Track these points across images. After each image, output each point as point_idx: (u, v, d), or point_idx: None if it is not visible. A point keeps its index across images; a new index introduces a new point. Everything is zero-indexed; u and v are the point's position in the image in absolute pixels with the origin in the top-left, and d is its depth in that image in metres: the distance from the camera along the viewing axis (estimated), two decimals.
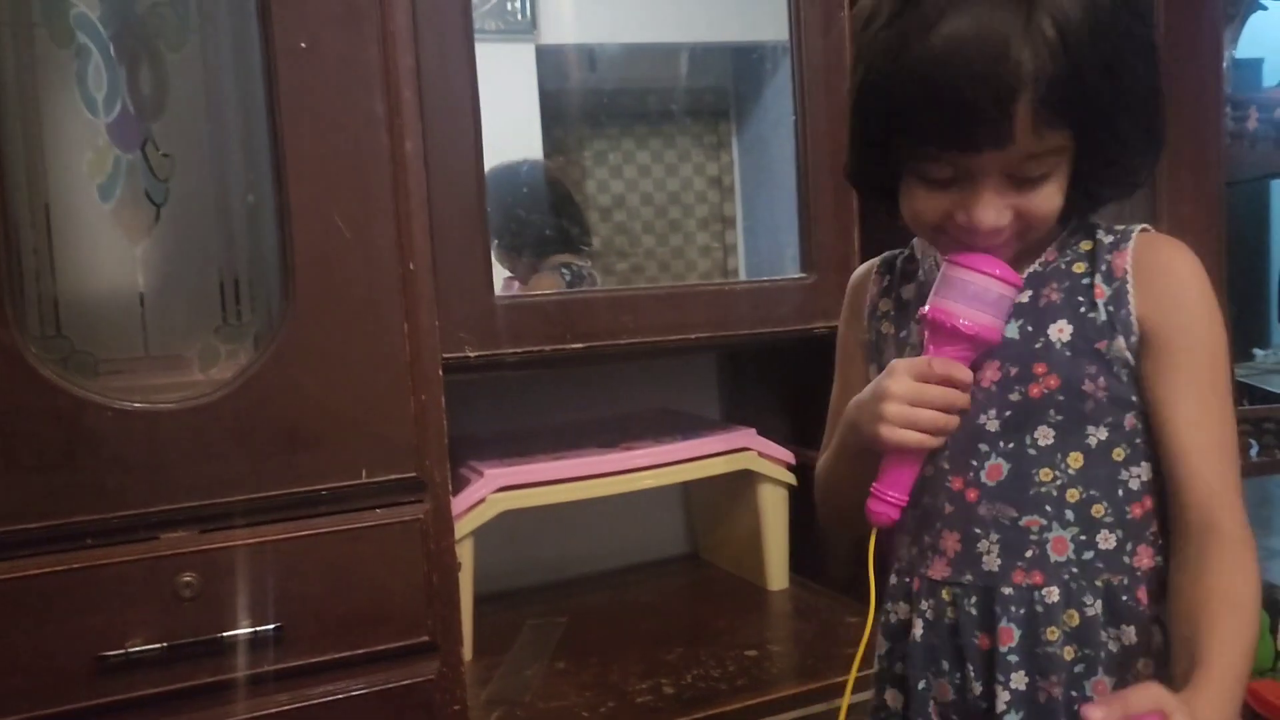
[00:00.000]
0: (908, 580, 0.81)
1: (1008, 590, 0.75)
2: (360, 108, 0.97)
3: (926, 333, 0.74)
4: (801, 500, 1.40)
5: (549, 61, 1.53)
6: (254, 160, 0.97)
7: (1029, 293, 0.76)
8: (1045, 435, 0.74)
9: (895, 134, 0.69)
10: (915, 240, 0.85)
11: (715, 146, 1.69)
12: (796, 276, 1.31)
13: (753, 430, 1.43)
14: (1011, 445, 0.75)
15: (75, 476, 0.89)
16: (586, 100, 1.61)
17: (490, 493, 1.26)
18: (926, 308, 0.74)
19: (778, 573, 1.49)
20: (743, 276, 1.65)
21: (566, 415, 1.59)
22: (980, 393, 0.75)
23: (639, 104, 1.66)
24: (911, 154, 0.70)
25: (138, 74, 0.93)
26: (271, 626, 0.95)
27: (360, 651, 0.99)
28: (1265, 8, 1.71)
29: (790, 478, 1.43)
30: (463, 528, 1.23)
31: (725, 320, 1.24)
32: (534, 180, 1.49)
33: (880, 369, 0.81)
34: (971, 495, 0.76)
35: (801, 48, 1.29)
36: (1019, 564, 0.74)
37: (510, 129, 1.46)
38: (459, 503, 1.22)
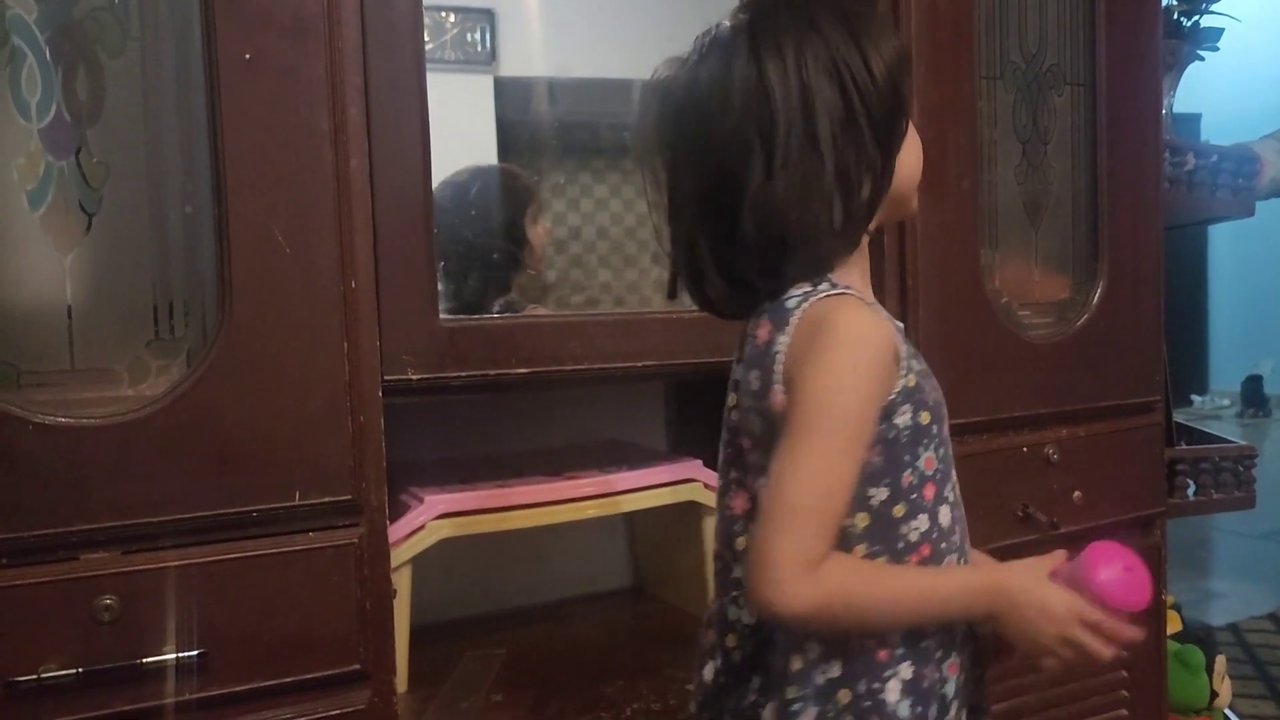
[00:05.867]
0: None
1: None
2: (305, 123, 0.96)
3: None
4: None
5: (507, 93, 1.53)
6: (193, 171, 0.95)
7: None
8: None
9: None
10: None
11: None
12: None
13: (699, 461, 1.42)
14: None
15: None
16: (544, 133, 1.61)
17: (430, 519, 1.23)
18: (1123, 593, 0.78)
19: None
20: None
21: (512, 443, 1.57)
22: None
23: (597, 138, 1.66)
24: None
25: (74, 79, 0.90)
26: (195, 652, 0.91)
27: (288, 680, 0.96)
28: (1203, 58, 1.76)
29: None
30: (401, 555, 1.20)
31: (673, 349, 1.23)
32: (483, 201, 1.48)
33: (918, 407, 0.80)
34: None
35: None
36: None
37: (467, 159, 1.45)
38: (398, 529, 1.20)
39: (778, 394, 0.78)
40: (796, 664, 0.79)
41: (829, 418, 0.75)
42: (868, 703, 0.78)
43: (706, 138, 0.80)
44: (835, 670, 0.79)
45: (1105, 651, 0.78)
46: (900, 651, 0.79)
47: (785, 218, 0.77)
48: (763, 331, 0.80)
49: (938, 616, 0.80)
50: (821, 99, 0.77)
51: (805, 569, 0.73)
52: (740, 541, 0.84)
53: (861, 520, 0.79)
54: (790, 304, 0.80)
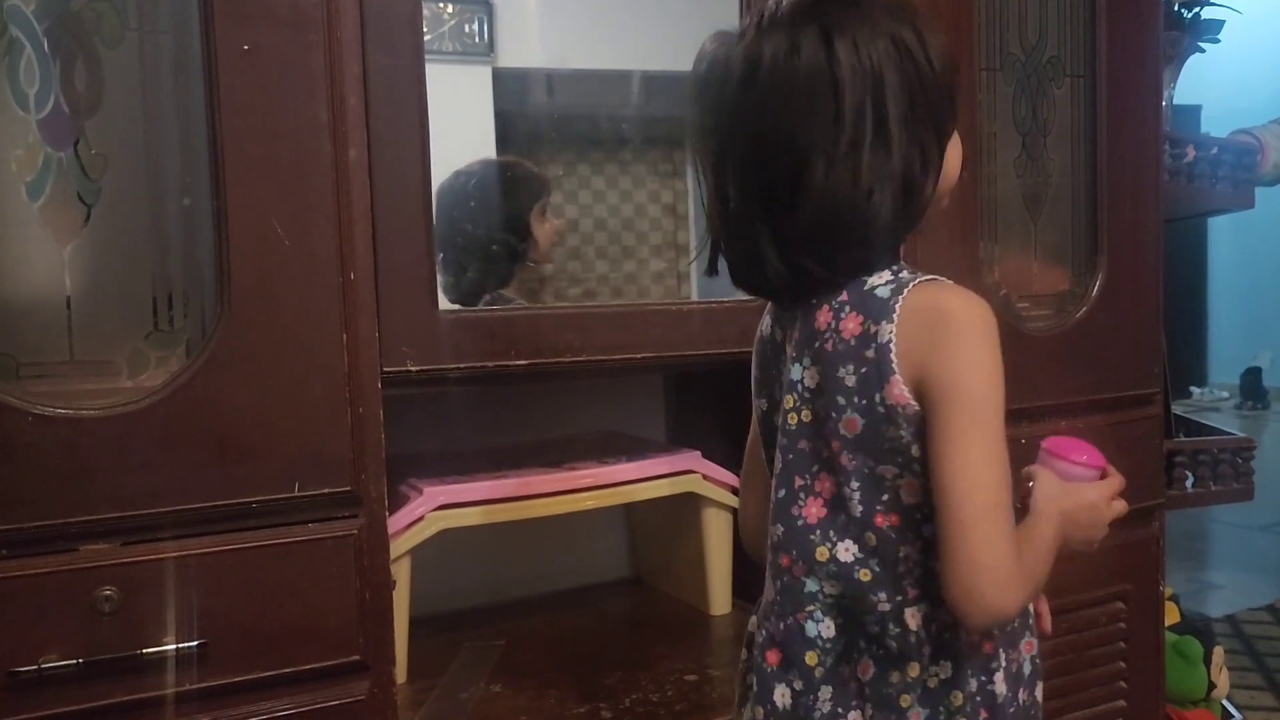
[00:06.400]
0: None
1: None
2: (303, 114, 0.96)
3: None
4: None
5: (506, 85, 1.53)
6: (191, 163, 0.95)
7: None
8: None
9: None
10: None
11: (670, 174, 1.69)
12: (744, 298, 1.31)
13: (697, 453, 1.42)
14: None
15: None
16: (543, 124, 1.61)
17: (429, 510, 1.23)
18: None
19: (720, 597, 1.47)
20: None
21: (511, 435, 1.57)
22: None
23: (595, 129, 1.66)
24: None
25: (72, 70, 0.90)
26: (195, 643, 0.92)
27: (287, 670, 0.96)
28: (1203, 50, 1.76)
29: (734, 501, 1.42)
30: (400, 546, 1.20)
31: (672, 341, 1.23)
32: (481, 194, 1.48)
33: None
34: None
35: None
36: None
37: (465, 151, 1.45)
38: (397, 520, 1.20)
39: (897, 386, 0.74)
40: (913, 670, 0.78)
41: (990, 408, 0.73)
42: (979, 698, 0.78)
43: (767, 119, 0.76)
44: (946, 671, 0.78)
45: (1124, 505, 0.86)
46: (999, 640, 0.80)
47: (851, 206, 0.75)
48: (851, 324, 0.77)
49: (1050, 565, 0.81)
50: (889, 85, 0.75)
51: (1018, 560, 0.73)
52: (821, 552, 0.79)
53: None
54: (881, 293, 0.77)
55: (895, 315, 0.75)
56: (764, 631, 0.83)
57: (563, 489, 1.31)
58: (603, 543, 1.67)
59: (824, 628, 0.80)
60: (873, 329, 0.76)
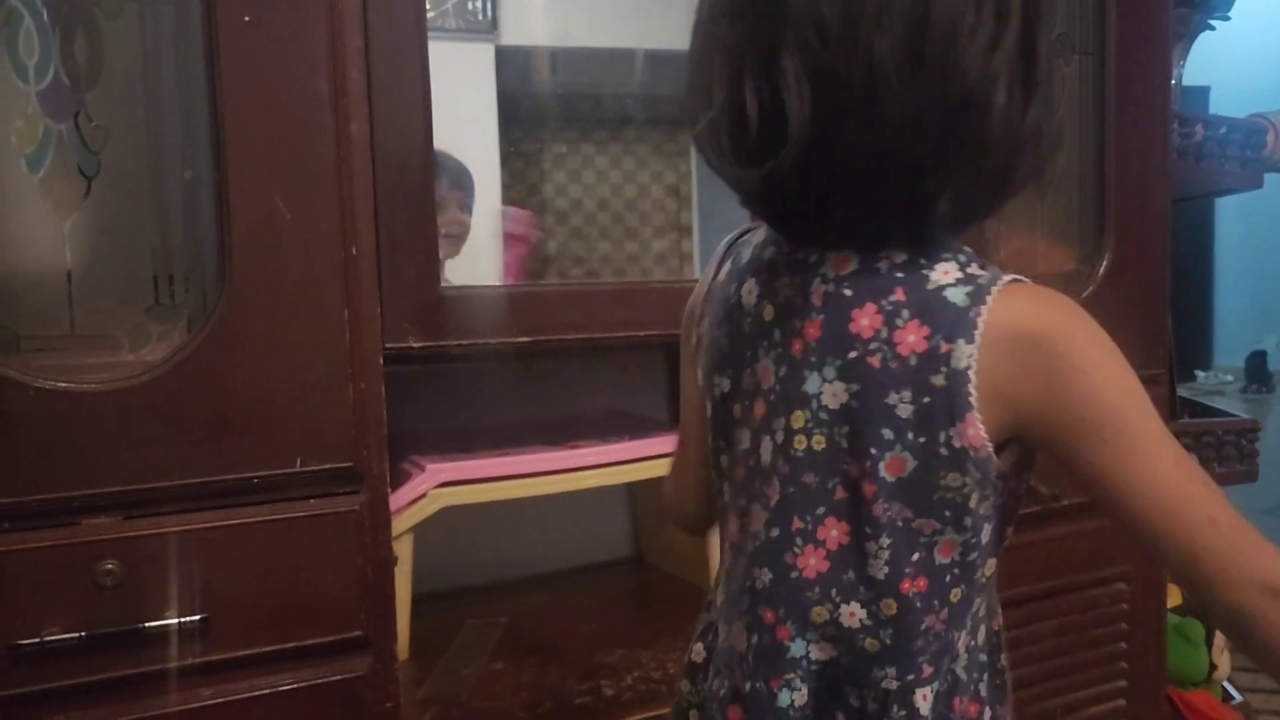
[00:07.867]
0: None
1: None
2: (305, 87, 0.95)
3: None
4: None
5: (509, 63, 1.52)
6: (192, 136, 0.94)
7: None
8: None
9: None
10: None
11: (674, 154, 1.68)
12: None
13: None
14: None
15: None
16: (546, 103, 1.60)
17: (432, 488, 1.23)
18: None
19: None
20: None
21: (514, 413, 1.57)
22: None
23: (598, 109, 1.65)
24: None
25: (72, 42, 0.90)
26: (197, 617, 0.91)
27: (289, 645, 0.96)
28: (1213, 28, 1.74)
29: None
30: (403, 523, 1.20)
31: (675, 319, 1.22)
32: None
33: None
34: None
35: None
36: None
37: (468, 129, 1.44)
38: (399, 497, 1.20)
39: (973, 424, 0.59)
40: None
41: (1149, 407, 0.62)
42: None
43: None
44: None
45: None
46: (989, 698, 0.69)
47: (1015, 143, 0.58)
48: (911, 335, 0.60)
49: None
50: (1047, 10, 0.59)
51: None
52: (819, 613, 0.65)
53: (991, 568, 0.67)
54: (954, 296, 0.60)
55: (977, 334, 0.59)
56: (725, 684, 0.70)
57: (565, 467, 1.31)
58: (605, 521, 1.67)
59: (798, 696, 0.66)
60: (944, 348, 0.59)
